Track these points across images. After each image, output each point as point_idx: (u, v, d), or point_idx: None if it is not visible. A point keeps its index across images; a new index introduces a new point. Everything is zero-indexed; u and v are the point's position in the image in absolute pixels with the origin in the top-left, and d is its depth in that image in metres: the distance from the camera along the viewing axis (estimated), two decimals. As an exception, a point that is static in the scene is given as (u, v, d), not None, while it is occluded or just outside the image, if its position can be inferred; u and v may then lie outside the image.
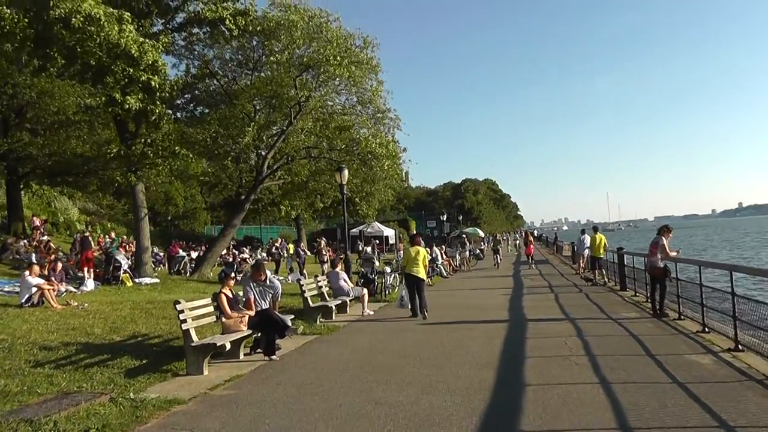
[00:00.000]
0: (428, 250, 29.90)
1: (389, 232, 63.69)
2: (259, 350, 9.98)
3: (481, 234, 70.57)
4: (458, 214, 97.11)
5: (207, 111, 28.46)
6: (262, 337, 9.90)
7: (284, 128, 26.15)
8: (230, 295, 9.99)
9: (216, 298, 9.85)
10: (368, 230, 56.54)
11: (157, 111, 21.24)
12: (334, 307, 14.42)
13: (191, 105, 29.27)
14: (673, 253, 13.61)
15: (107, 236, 29.96)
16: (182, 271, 27.86)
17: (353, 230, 57.10)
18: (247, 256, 45.08)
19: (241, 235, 62.33)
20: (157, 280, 23.31)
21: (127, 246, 27.73)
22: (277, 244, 39.74)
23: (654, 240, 13.83)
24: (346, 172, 19.43)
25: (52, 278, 18.96)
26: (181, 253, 29.86)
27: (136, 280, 22.78)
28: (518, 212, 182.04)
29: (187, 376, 8.73)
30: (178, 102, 27.98)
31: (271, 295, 10.82)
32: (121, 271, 22.43)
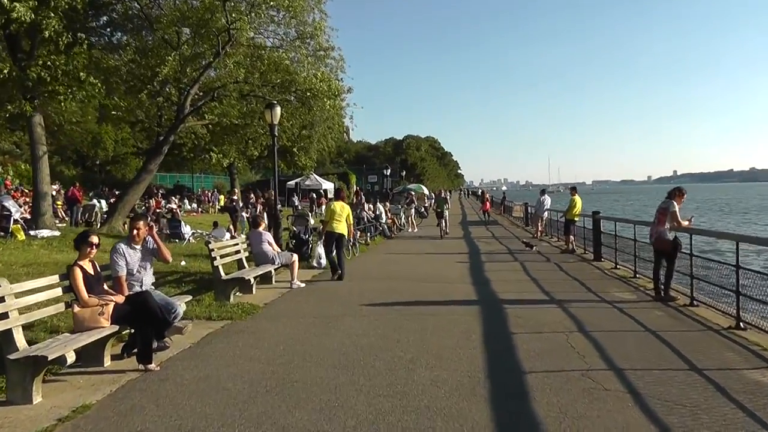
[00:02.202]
0: (371, 207, 27.09)
1: (328, 185, 60.31)
2: (135, 351, 6.72)
3: (426, 191, 67.81)
4: (401, 170, 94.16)
5: (125, 38, 24.64)
6: (136, 335, 6.69)
7: (211, 60, 22.52)
8: (90, 271, 6.67)
9: (68, 274, 6.54)
10: (306, 183, 53.19)
11: (53, 25, 17.56)
12: (252, 280, 11.19)
13: (107, 30, 25.28)
14: (685, 223, 10.88)
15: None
16: (92, 222, 24.14)
17: (289, 183, 53.83)
18: (175, 206, 41.47)
19: (171, 183, 58.73)
20: (56, 233, 19.64)
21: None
22: (235, 197, 34.70)
23: (662, 205, 11.02)
24: (278, 109, 16.03)
25: None
26: (93, 201, 26.06)
27: (31, 233, 19.13)
28: (459, 170, 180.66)
29: (2, 408, 5.47)
30: (92, 25, 24.00)
31: (151, 266, 7.55)
32: (11, 222, 18.72)
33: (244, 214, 27.28)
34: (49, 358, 5.34)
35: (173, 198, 44.66)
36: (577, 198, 20.06)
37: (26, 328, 6.19)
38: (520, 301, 10.48)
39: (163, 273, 12.77)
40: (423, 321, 8.86)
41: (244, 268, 11.97)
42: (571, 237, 19.87)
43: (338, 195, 15.04)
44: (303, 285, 12.30)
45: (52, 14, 17.56)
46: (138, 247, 7.30)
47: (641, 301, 10.71)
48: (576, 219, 19.91)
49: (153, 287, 7.59)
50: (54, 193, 30.10)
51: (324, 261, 13.89)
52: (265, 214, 15.20)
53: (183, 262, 14.82)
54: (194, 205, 44.62)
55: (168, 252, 7.63)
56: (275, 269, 12.57)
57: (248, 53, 24.13)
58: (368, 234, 23.78)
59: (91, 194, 40.25)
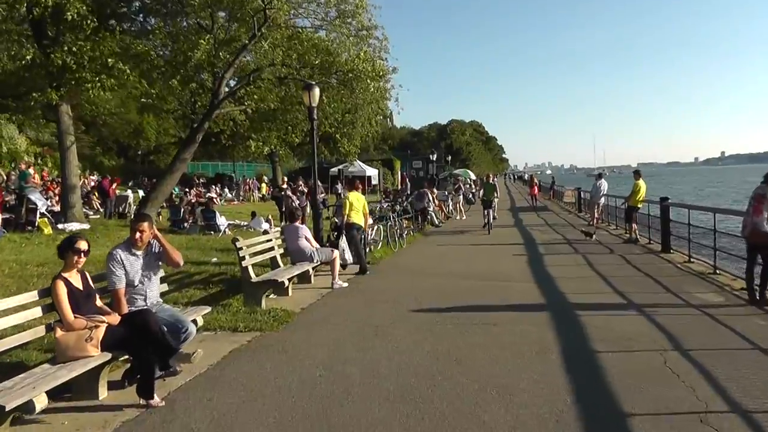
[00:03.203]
0: (417, 192, 25.71)
1: (372, 171, 59.03)
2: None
3: (473, 176, 66.07)
4: (446, 155, 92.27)
5: (155, 22, 23.58)
6: (135, 364, 5.44)
7: (246, 42, 21.29)
8: (77, 285, 5.43)
9: (51, 288, 5.30)
10: (350, 169, 51.91)
11: (77, 8, 16.60)
12: (287, 282, 9.82)
13: (140, 16, 24.27)
14: (790, 212, 9.22)
15: (17, 169, 24.96)
16: (126, 214, 23.20)
17: (333, 170, 52.67)
18: (215, 195, 40.64)
19: (213, 172, 58.32)
20: (86, 226, 18.71)
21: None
22: (284, 185, 31.10)
23: (757, 191, 9.33)
24: (316, 90, 14.63)
25: None
26: (127, 192, 25.16)
27: (60, 226, 18.22)
28: (503, 155, 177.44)
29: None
30: (123, 10, 23.01)
31: (157, 274, 6.31)
32: (37, 215, 17.81)
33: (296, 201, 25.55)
34: (8, 408, 4.10)
35: (213, 187, 43.96)
36: (641, 182, 18.30)
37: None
38: (594, 306, 8.99)
39: (190, 273, 11.63)
40: (485, 333, 7.48)
41: (279, 267, 10.68)
42: (634, 225, 18.21)
43: (353, 185, 14.28)
44: (345, 285, 11.01)
45: None
46: (140, 252, 6.04)
47: (732, 305, 9.11)
48: (640, 206, 18.23)
49: (160, 301, 6.35)
50: (93, 183, 29.47)
51: (348, 256, 12.86)
52: (307, 204, 13.82)
53: (214, 259, 13.60)
54: (234, 194, 43.78)
55: (178, 254, 6.33)
56: (314, 267, 11.26)
57: (285, 34, 22.87)
58: (417, 223, 22.50)
59: (130, 184, 39.73)
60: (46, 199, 21.29)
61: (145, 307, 5.84)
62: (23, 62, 17.45)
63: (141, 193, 28.56)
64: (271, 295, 9.84)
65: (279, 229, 12.13)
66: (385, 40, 22.96)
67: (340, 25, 22.09)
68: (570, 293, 10.04)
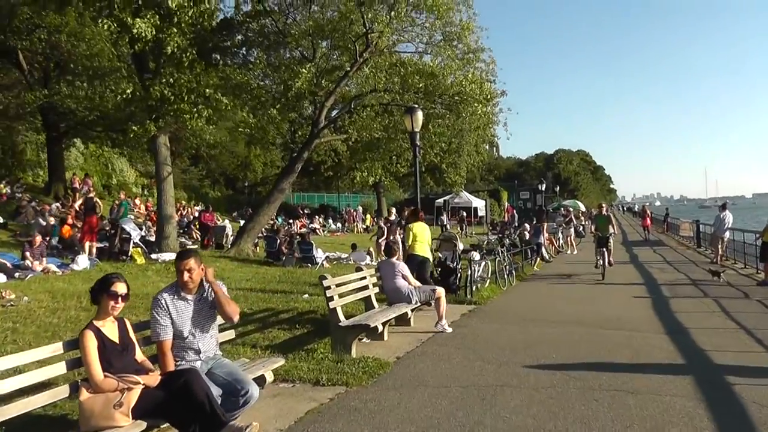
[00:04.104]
0: (527, 226, 24.19)
1: (479, 203, 57.56)
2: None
3: (582, 207, 63.32)
4: (554, 185, 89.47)
5: (256, 53, 23.45)
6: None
7: (348, 69, 20.64)
8: (112, 336, 4.42)
9: (79, 340, 4.33)
10: (455, 200, 50.67)
11: (175, 40, 16.47)
12: (380, 327, 8.35)
13: (243, 48, 24.22)
14: None
15: (117, 199, 25.10)
16: (223, 245, 22.85)
17: (438, 200, 51.67)
18: (318, 226, 40.34)
19: (318, 203, 58.59)
20: (178, 257, 18.35)
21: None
22: (392, 217, 29.13)
23: None
24: (419, 114, 13.52)
25: (27, 253, 14.59)
26: (223, 222, 24.86)
27: (153, 256, 17.92)
28: (611, 185, 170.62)
29: None
30: (225, 44, 22.95)
31: (213, 323, 5.21)
32: (131, 245, 17.53)
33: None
34: None
35: (317, 218, 43.77)
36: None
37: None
38: (747, 371, 7.25)
39: (277, 311, 10.69)
40: (619, 404, 5.97)
41: (373, 308, 9.48)
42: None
43: (415, 215, 12.91)
44: (450, 330, 9.70)
45: (175, 30, 16.71)
46: (191, 297, 5.00)
47: None
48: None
49: (219, 354, 5.26)
50: (197, 214, 29.56)
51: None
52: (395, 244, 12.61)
53: (305, 296, 12.61)
54: (338, 225, 43.35)
55: (234, 306, 5.15)
56: (412, 310, 10.02)
57: (388, 60, 22.13)
58: (529, 258, 20.98)
59: (234, 214, 40.04)
60: (145, 229, 21.21)
61: (194, 366, 4.80)
62: (124, 96, 17.38)
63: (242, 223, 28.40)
64: (365, 339, 8.68)
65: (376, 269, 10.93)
66: (493, 63, 21.85)
67: (445, 47, 21.09)
68: (712, 350, 8.36)
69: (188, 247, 21.93)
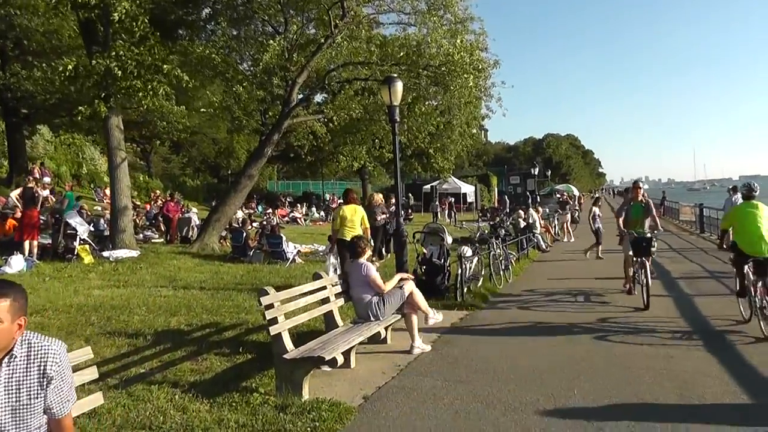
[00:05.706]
0: (521, 212, 22.44)
1: (468, 188, 55.73)
2: None
3: (576, 192, 61.55)
4: (546, 169, 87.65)
5: (221, 26, 21.44)
6: None
7: (322, 41, 18.56)
8: None
9: None
10: (443, 186, 48.73)
11: (123, 5, 14.40)
12: (339, 357, 5.98)
13: (211, 23, 22.14)
14: None
15: (63, 190, 22.88)
16: (189, 238, 20.73)
17: (425, 186, 49.83)
18: (300, 215, 38.43)
19: (302, 191, 57.05)
20: (134, 254, 16.24)
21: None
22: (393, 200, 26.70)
23: None
24: (398, 85, 11.36)
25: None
26: (189, 214, 22.67)
27: (105, 254, 15.89)
28: (600, 169, 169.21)
29: None
30: (191, 18, 20.85)
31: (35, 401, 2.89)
32: (77, 242, 15.45)
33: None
34: None
35: (299, 206, 41.93)
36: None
37: None
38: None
39: (223, 326, 8.70)
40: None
41: (336, 326, 7.37)
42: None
43: (348, 197, 12.60)
44: (428, 348, 7.71)
45: None
46: None
47: None
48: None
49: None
50: (161, 203, 27.57)
51: (332, 272, 11.62)
52: (365, 242, 10.42)
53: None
54: (321, 213, 41.32)
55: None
56: (384, 327, 7.88)
57: (368, 34, 20.09)
58: (523, 249, 19.06)
59: (213, 203, 38.03)
60: (104, 222, 19.13)
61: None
62: (66, 72, 15.26)
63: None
64: (324, 367, 6.54)
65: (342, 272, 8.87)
66: (483, 34, 19.65)
67: (430, 16, 18.94)
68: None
69: (152, 240, 19.90)
